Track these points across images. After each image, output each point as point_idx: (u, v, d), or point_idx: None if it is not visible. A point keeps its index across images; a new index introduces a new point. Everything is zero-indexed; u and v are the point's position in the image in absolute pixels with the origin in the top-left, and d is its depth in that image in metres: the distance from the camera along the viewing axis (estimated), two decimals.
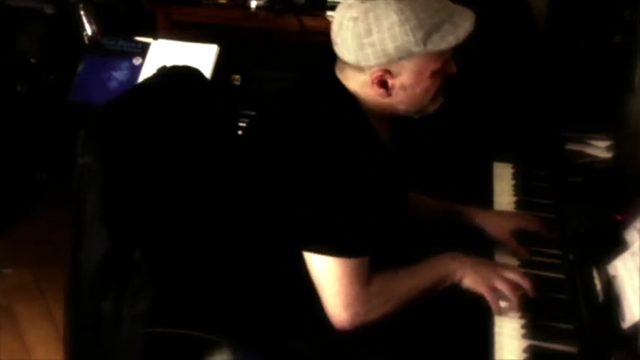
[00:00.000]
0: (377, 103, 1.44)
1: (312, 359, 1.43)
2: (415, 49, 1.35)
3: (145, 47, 2.57)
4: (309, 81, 1.53)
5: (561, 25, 2.42)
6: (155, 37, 2.60)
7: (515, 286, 1.44)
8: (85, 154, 1.44)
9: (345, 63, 1.41)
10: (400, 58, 1.36)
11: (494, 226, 1.68)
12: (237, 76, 2.56)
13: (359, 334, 1.42)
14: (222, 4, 2.91)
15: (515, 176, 1.94)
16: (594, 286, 1.35)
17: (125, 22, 3.01)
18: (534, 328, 1.35)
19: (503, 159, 2.00)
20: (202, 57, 2.49)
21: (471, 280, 1.46)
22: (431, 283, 1.46)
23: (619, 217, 1.40)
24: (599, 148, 1.90)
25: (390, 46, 1.35)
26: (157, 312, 1.46)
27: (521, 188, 1.88)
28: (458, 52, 1.44)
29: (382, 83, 1.40)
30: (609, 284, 1.30)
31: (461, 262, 1.48)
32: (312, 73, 1.53)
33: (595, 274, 1.37)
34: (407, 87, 1.41)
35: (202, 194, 1.55)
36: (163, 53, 2.54)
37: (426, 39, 1.35)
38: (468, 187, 1.85)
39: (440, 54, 1.39)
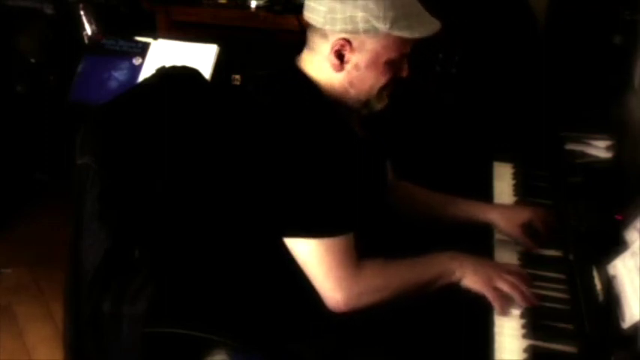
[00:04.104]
0: (332, 86, 1.46)
1: (311, 359, 1.43)
2: (381, 26, 1.38)
3: (145, 47, 2.57)
4: (273, 76, 1.55)
5: (561, 25, 2.42)
6: (155, 37, 2.60)
7: (516, 285, 1.44)
8: (83, 154, 1.44)
9: (312, 30, 1.45)
10: (364, 32, 1.39)
11: (505, 222, 1.67)
12: (237, 76, 2.56)
13: (359, 334, 1.42)
14: (222, 4, 2.92)
15: (515, 176, 1.94)
16: (594, 286, 1.35)
17: (125, 22, 3.01)
18: (534, 328, 1.35)
19: (503, 159, 2.00)
20: (202, 57, 2.49)
21: (470, 280, 1.46)
22: (427, 279, 1.46)
23: (619, 217, 1.40)
24: (599, 148, 1.90)
25: (359, 16, 1.38)
26: (156, 312, 1.46)
27: (521, 188, 1.88)
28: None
29: (339, 55, 1.42)
30: (609, 284, 1.30)
31: (460, 261, 1.48)
32: (276, 69, 1.56)
33: (595, 274, 1.37)
34: (361, 68, 1.43)
35: (201, 193, 1.55)
36: (163, 53, 2.54)
37: (393, 21, 1.38)
38: (468, 187, 1.84)
39: (400, 43, 1.42)
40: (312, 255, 1.39)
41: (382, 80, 1.45)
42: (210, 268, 1.50)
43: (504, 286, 1.43)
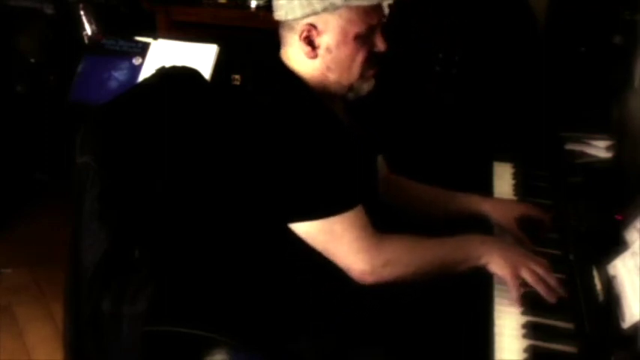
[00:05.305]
0: (313, 76, 1.47)
1: (311, 359, 1.43)
2: (337, 1, 1.39)
3: (145, 47, 2.57)
4: (260, 71, 1.57)
5: (561, 26, 2.42)
6: (155, 37, 2.61)
7: (541, 278, 1.42)
8: (83, 153, 1.44)
9: (281, 27, 1.49)
10: (324, 10, 1.41)
11: (499, 213, 1.68)
12: (237, 76, 2.57)
13: (359, 334, 1.42)
14: (222, 4, 2.92)
15: (515, 176, 1.94)
16: (594, 286, 1.35)
17: (125, 22, 3.02)
18: (534, 328, 1.35)
19: (503, 159, 2.00)
20: (202, 57, 2.49)
21: (496, 265, 1.45)
22: (454, 259, 1.46)
23: (619, 217, 1.40)
24: (599, 148, 1.90)
25: None
26: (156, 311, 1.46)
27: (521, 188, 1.88)
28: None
29: (309, 41, 1.44)
30: (609, 284, 1.30)
31: (489, 247, 1.47)
32: (261, 63, 1.59)
33: (595, 274, 1.37)
34: (332, 49, 1.45)
35: (201, 193, 1.55)
36: (163, 53, 2.54)
37: None
38: (468, 188, 1.85)
39: (363, 14, 1.43)
40: (329, 235, 1.40)
41: (358, 58, 1.46)
42: (211, 268, 1.50)
43: (529, 277, 1.42)
